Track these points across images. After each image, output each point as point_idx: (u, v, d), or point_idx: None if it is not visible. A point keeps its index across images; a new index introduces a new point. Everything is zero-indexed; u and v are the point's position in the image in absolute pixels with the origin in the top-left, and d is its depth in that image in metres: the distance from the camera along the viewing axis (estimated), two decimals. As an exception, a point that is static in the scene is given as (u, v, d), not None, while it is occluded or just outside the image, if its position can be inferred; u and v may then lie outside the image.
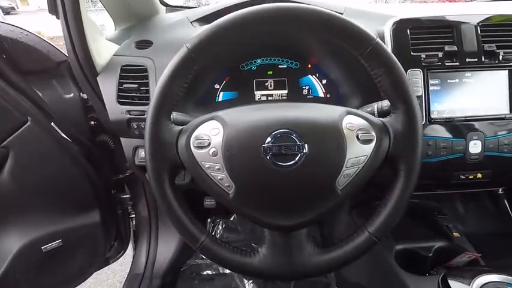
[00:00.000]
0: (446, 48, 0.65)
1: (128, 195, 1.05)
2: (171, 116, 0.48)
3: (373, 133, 0.45)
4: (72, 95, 0.82)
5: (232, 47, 0.70)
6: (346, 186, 0.44)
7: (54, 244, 0.81)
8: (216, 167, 0.44)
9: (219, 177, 0.45)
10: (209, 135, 0.45)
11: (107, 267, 1.17)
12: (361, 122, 0.46)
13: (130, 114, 0.69)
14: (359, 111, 0.48)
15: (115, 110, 0.69)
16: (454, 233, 0.78)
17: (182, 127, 0.48)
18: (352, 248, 0.46)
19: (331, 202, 0.45)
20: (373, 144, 0.45)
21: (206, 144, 0.45)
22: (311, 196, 0.45)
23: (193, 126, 0.47)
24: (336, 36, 0.44)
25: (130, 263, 1.10)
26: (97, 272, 1.00)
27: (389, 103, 0.48)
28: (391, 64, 0.44)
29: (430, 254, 0.74)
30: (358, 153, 0.44)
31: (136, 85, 0.69)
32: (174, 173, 0.47)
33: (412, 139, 0.44)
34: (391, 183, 0.46)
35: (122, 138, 0.74)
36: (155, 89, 0.45)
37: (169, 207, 0.46)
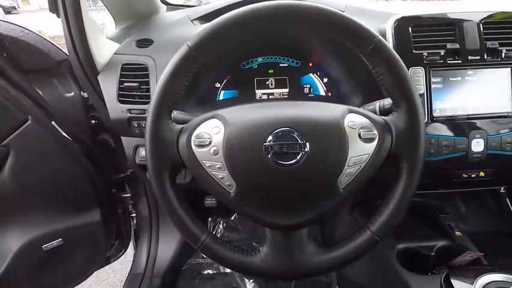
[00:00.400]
0: (449, 46, 0.65)
1: (128, 194, 1.05)
2: (172, 115, 0.47)
3: (375, 131, 0.45)
4: (72, 93, 0.82)
5: (233, 45, 0.70)
6: (348, 185, 0.44)
7: (54, 243, 0.81)
8: (217, 166, 0.44)
9: (220, 176, 0.44)
10: (210, 133, 0.45)
11: (107, 266, 1.17)
12: (363, 120, 0.45)
13: (130, 113, 0.69)
14: (361, 110, 0.47)
15: (115, 109, 0.69)
16: (456, 232, 0.78)
17: (183, 126, 0.47)
18: (354, 247, 0.45)
19: (333, 201, 0.44)
20: (375, 142, 0.44)
21: (207, 143, 0.45)
22: (312, 195, 0.44)
23: (194, 124, 0.47)
24: (338, 34, 0.44)
25: (131, 262, 1.10)
26: (98, 271, 1.01)
27: (391, 101, 0.48)
28: (393, 62, 0.43)
29: (432, 253, 0.73)
30: (360, 151, 0.44)
31: (137, 84, 0.69)
32: (175, 172, 0.47)
33: (415, 137, 0.44)
34: (393, 182, 0.45)
35: (122, 137, 0.74)
36: (156, 87, 0.45)
37: (170, 206, 0.46)
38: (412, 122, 0.44)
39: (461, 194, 0.95)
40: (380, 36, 0.43)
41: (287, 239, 0.47)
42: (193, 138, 0.45)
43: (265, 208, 0.45)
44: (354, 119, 0.45)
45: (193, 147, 0.45)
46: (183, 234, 0.47)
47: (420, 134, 0.44)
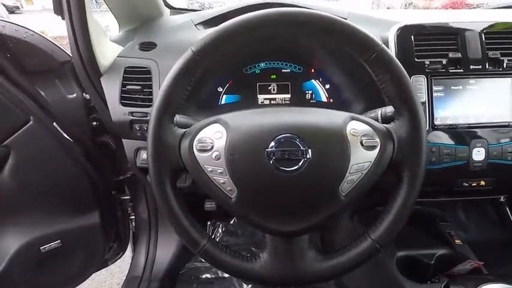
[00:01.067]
0: (451, 55, 0.65)
1: (128, 197, 1.05)
2: (174, 119, 0.48)
3: (377, 139, 0.45)
4: (75, 95, 0.82)
5: (235, 51, 0.70)
6: (349, 192, 0.44)
7: (52, 245, 0.81)
8: (219, 171, 0.44)
9: (221, 181, 0.44)
10: (212, 138, 0.45)
11: (105, 269, 1.16)
12: (365, 127, 0.45)
13: (133, 116, 0.69)
14: (363, 117, 0.48)
15: (117, 111, 0.69)
16: (456, 240, 0.78)
17: (185, 130, 0.47)
18: (355, 255, 0.45)
19: (334, 208, 0.44)
20: (377, 150, 0.44)
21: (209, 148, 0.45)
22: (314, 202, 0.44)
23: (197, 129, 0.47)
24: (340, 41, 0.44)
25: (129, 265, 1.09)
26: (95, 273, 1.00)
27: (393, 109, 0.48)
28: (395, 71, 0.44)
29: (432, 262, 0.73)
30: (362, 159, 0.44)
31: (139, 87, 0.69)
32: (176, 176, 0.47)
33: (417, 146, 0.44)
34: (394, 190, 0.45)
35: (123, 140, 0.74)
36: (159, 91, 0.45)
37: (170, 210, 0.45)
38: (414, 131, 0.44)
39: (461, 203, 0.95)
40: (383, 45, 0.44)
41: (287, 245, 0.46)
42: (195, 142, 0.45)
43: (265, 214, 0.45)
44: (356, 127, 0.45)
45: (195, 152, 0.45)
46: (182, 239, 0.46)
47: (422, 142, 0.44)
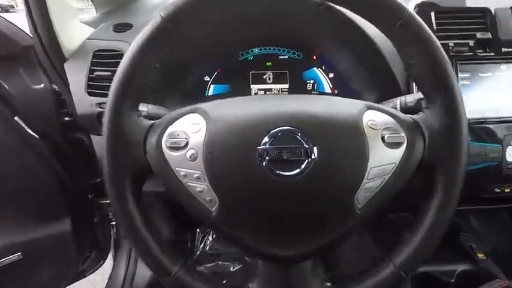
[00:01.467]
0: (478, 35, 0.56)
1: (108, 201, 0.94)
2: (145, 108, 0.38)
3: (403, 134, 0.34)
4: (42, 85, 0.72)
5: (224, 32, 0.60)
6: (367, 203, 0.33)
7: (13, 257, 0.70)
8: (195, 175, 0.34)
9: (198, 189, 0.34)
10: (187, 132, 0.35)
11: (86, 279, 1.06)
12: (387, 119, 0.35)
13: (101, 107, 0.59)
14: (382, 106, 0.37)
15: (83, 102, 0.60)
16: (478, 254, 0.68)
17: (154, 122, 0.37)
18: (375, 283, 0.35)
19: (347, 224, 0.34)
20: (403, 148, 0.34)
21: (183, 145, 0.34)
22: (321, 216, 0.34)
23: (168, 120, 0.36)
24: (356, 5, 0.34)
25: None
26: (74, 284, 0.89)
27: (415, 98, 0.38)
28: (428, 41, 0.34)
29: (453, 280, 0.64)
30: (384, 160, 0.33)
31: (109, 73, 0.59)
32: (140, 182, 0.37)
33: (454, 141, 0.34)
34: (425, 200, 0.35)
35: (92, 136, 0.64)
36: (119, 66, 0.35)
37: (130, 226, 0.35)
38: (452, 122, 0.34)
39: (476, 210, 0.85)
40: (411, 10, 0.33)
41: (285, 274, 0.36)
42: (165, 137, 0.35)
43: (256, 233, 0.35)
44: (375, 118, 0.35)
45: (165, 150, 0.35)
46: (148, 266, 0.36)
47: (462, 137, 0.34)
